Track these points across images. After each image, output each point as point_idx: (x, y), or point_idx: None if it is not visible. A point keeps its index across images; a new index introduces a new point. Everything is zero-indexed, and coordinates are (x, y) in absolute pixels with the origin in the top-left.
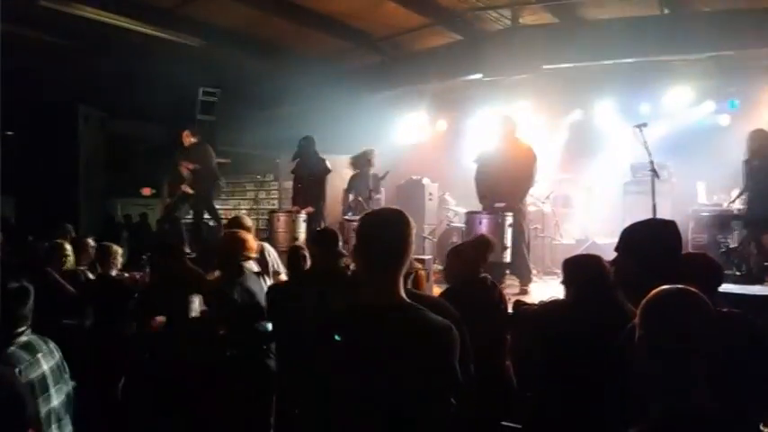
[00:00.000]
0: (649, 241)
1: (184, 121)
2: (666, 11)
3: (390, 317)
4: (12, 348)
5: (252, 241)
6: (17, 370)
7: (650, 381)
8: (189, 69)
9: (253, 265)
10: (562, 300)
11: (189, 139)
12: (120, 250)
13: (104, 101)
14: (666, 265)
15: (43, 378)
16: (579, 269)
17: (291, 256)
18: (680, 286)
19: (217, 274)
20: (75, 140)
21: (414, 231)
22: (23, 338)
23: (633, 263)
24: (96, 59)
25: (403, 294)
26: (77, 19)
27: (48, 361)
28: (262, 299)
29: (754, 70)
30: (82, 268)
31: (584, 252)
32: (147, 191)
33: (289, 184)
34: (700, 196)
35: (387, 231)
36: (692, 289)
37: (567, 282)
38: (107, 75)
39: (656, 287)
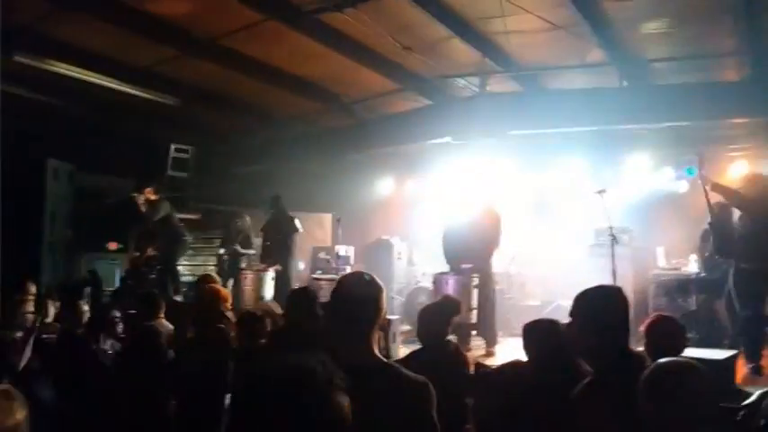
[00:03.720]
0: (598, 307)
1: (155, 177)
2: (625, 83)
3: (370, 375)
4: None
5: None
6: None
7: None
8: (161, 126)
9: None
10: (521, 361)
11: (150, 196)
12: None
13: (74, 154)
14: (613, 327)
15: (16, 428)
16: (537, 333)
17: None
18: (682, 359)
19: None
20: (41, 194)
21: (385, 294)
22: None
23: (583, 327)
24: (68, 114)
25: (378, 352)
26: (50, 74)
27: (21, 412)
28: None
29: (711, 140)
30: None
31: (549, 314)
32: (113, 245)
33: (258, 242)
34: (659, 260)
35: (363, 293)
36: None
37: (526, 346)
38: (78, 129)
39: (609, 349)
